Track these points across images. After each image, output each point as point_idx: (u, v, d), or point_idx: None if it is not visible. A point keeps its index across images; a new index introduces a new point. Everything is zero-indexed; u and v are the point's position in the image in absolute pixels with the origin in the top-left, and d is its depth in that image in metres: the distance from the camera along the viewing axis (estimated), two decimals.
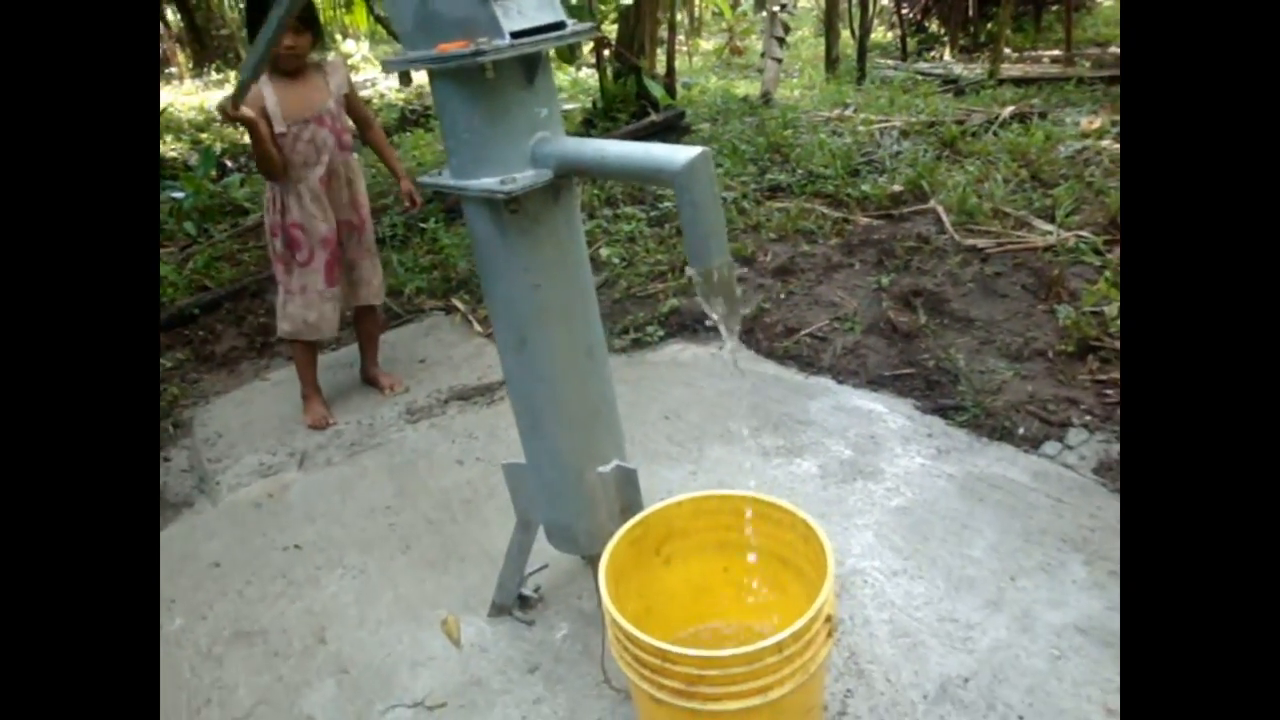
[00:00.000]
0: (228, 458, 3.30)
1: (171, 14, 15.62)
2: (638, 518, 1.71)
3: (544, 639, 2.18)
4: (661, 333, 3.75)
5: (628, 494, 1.91)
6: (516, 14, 1.43)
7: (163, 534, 2.90)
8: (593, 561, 2.05)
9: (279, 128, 2.96)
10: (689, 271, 1.30)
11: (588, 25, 1.52)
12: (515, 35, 1.41)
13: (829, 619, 1.50)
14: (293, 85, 3.01)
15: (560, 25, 1.49)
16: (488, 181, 1.51)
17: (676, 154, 1.28)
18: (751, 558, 1.78)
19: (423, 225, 5.11)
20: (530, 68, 1.48)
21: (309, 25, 3.00)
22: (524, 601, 2.25)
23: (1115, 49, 9.48)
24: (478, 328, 4.05)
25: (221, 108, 2.69)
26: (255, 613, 2.43)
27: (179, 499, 3.13)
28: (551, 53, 1.51)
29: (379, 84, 15.53)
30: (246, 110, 2.73)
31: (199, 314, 4.65)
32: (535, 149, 1.52)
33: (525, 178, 1.49)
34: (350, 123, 3.24)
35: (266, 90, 2.94)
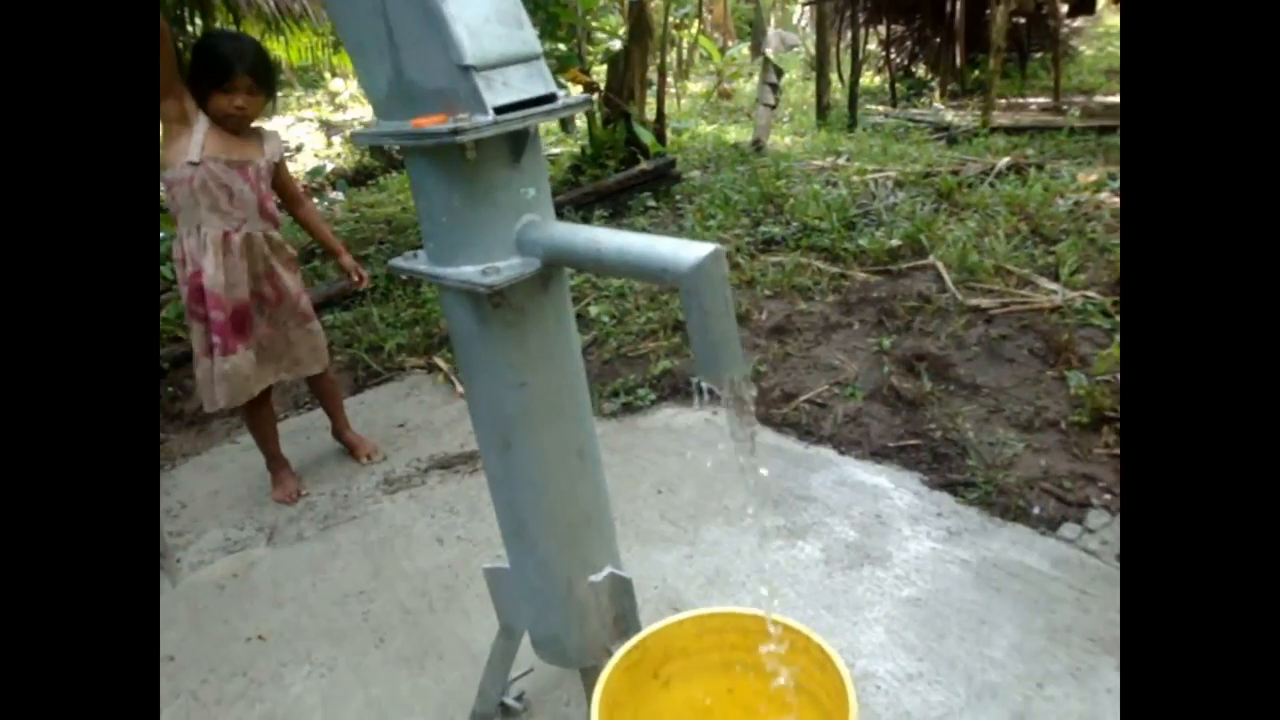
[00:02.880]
0: (190, 531, 3.09)
1: None
2: (634, 640, 1.52)
3: None
4: (653, 396, 3.58)
5: (622, 603, 1.72)
6: (501, 86, 1.27)
7: None
8: (584, 672, 1.86)
9: (193, 155, 2.68)
10: (696, 381, 1.13)
11: (582, 98, 1.36)
12: (500, 110, 1.25)
13: None
14: (227, 134, 2.78)
15: (551, 98, 1.33)
16: (468, 271, 1.34)
17: (684, 253, 1.11)
18: (782, 678, 1.59)
19: (404, 277, 4.93)
20: (517, 145, 1.32)
21: (265, 87, 2.79)
22: (506, 710, 2.05)
23: (1101, 97, 9.50)
24: (460, 389, 3.86)
25: None
26: (210, 718, 2.21)
27: None
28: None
29: (367, 117, 15.51)
30: None
31: (169, 369, 4.45)
32: (521, 234, 1.35)
33: (510, 268, 1.32)
34: (273, 195, 2.99)
35: (200, 122, 2.71)
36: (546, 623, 1.75)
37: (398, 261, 1.50)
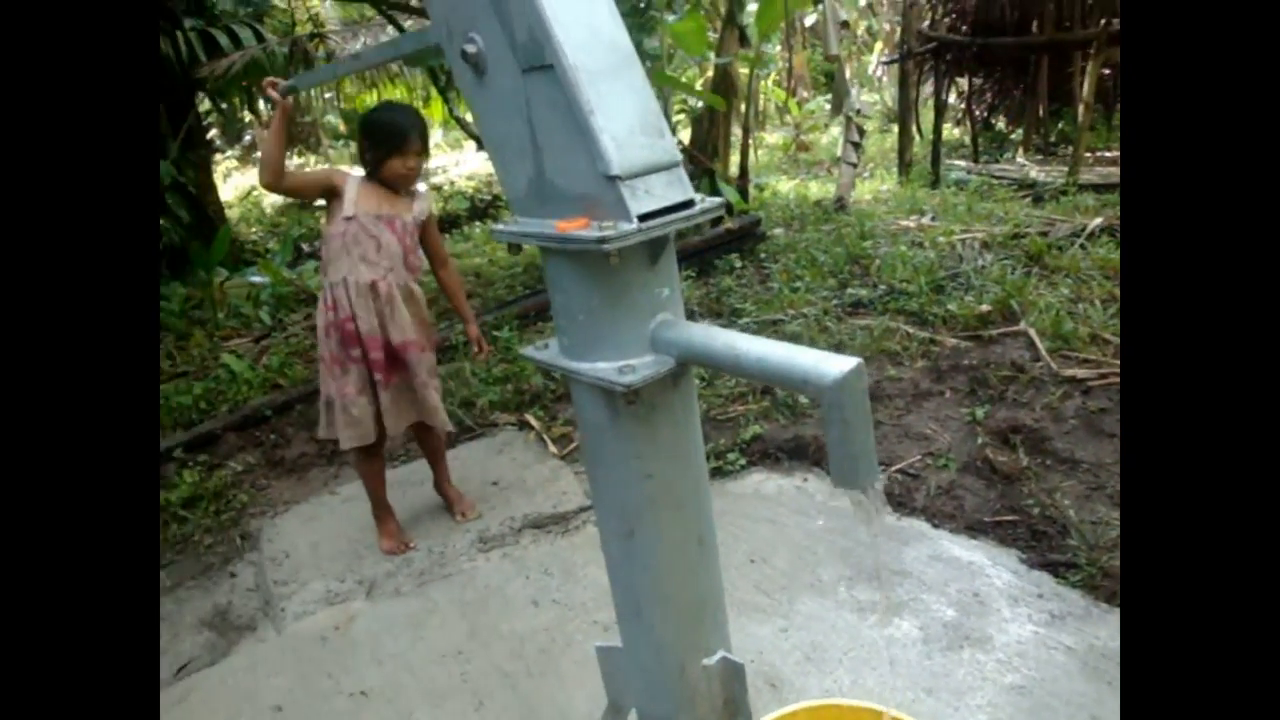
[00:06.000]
0: (294, 581, 3.20)
1: (262, 103, 16.18)
2: None
3: None
4: (743, 461, 3.60)
5: (732, 688, 1.73)
6: (644, 194, 1.33)
7: (227, 663, 2.80)
8: None
9: (348, 211, 2.96)
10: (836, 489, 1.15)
11: (716, 202, 1.42)
12: (643, 218, 1.31)
13: None
14: (380, 189, 3.04)
15: (689, 204, 1.39)
16: (604, 368, 1.40)
17: (826, 367, 1.15)
18: None
19: (495, 333, 5.06)
20: (655, 249, 1.38)
21: (427, 149, 3.14)
22: None
23: None
24: (552, 448, 3.93)
25: (270, 82, 2.69)
26: None
27: (243, 621, 3.04)
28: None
29: (449, 170, 15.94)
30: (274, 93, 2.68)
31: (270, 415, 4.64)
32: (656, 333, 1.41)
33: (646, 367, 1.37)
34: (420, 253, 3.20)
35: (352, 181, 3.01)
36: (657, 703, 1.77)
37: (529, 352, 1.57)
